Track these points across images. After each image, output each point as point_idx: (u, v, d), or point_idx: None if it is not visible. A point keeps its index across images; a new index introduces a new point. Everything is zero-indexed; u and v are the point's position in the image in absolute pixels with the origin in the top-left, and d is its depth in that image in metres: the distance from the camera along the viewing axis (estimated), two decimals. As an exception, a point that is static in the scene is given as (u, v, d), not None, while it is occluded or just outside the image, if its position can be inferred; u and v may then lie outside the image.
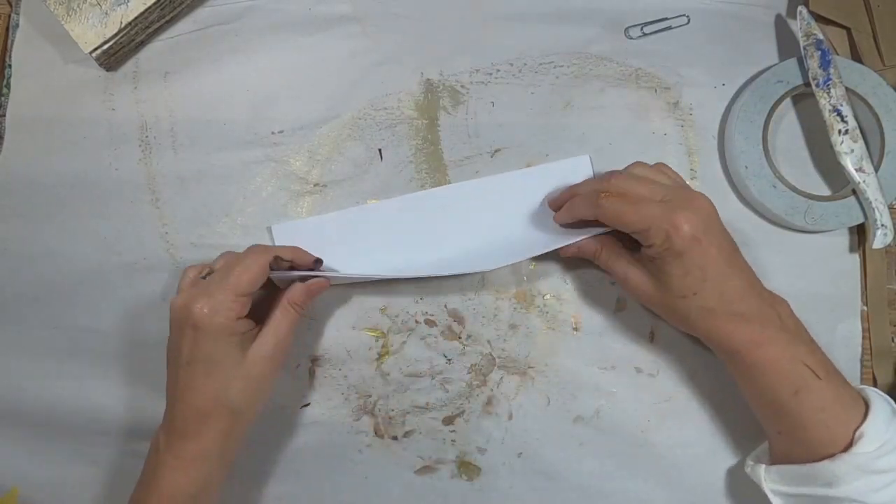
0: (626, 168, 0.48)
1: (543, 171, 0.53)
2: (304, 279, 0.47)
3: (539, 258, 0.53)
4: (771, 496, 0.44)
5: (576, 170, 0.53)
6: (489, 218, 0.52)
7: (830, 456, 0.40)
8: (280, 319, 0.45)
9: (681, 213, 0.42)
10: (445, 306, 0.53)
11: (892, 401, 0.43)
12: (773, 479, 0.44)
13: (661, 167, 0.48)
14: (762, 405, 0.44)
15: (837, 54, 0.53)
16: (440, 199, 0.53)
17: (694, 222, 0.42)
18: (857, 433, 0.40)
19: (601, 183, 0.46)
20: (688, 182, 0.53)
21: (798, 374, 0.41)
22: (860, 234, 0.53)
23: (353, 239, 0.52)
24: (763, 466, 0.45)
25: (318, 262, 0.49)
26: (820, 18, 0.53)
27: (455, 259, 0.51)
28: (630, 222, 0.43)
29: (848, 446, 0.40)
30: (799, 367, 0.42)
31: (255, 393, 0.45)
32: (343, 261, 0.51)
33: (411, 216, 0.52)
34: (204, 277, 0.45)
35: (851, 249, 0.53)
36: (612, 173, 0.47)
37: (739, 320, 0.42)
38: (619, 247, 0.47)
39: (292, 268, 0.48)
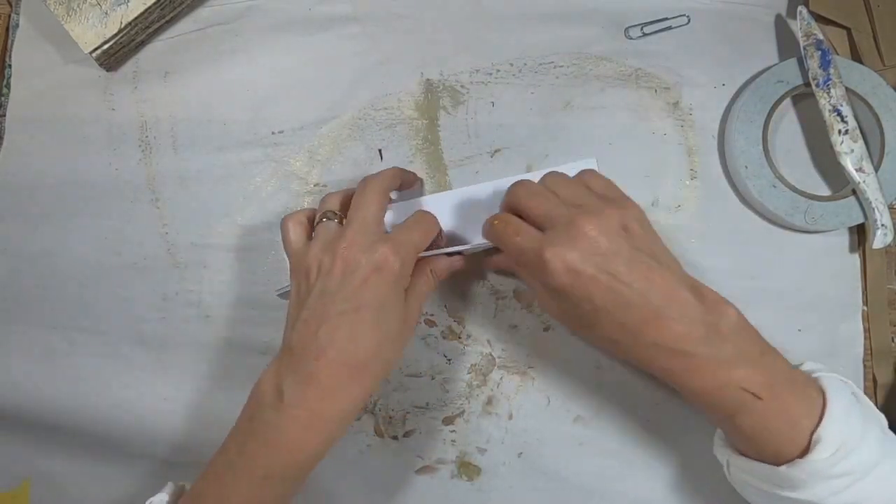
0: (541, 178, 0.44)
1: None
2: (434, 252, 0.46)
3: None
4: (732, 482, 0.43)
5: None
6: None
7: (788, 461, 0.38)
8: (422, 286, 0.44)
9: (552, 249, 0.38)
10: (445, 306, 0.53)
11: (852, 385, 0.41)
12: (737, 468, 0.42)
13: (583, 176, 0.44)
14: (706, 416, 0.42)
15: (837, 54, 0.53)
16: (444, 203, 0.51)
17: (569, 257, 0.38)
18: (814, 438, 0.37)
19: (505, 196, 0.44)
20: (687, 182, 0.53)
21: (732, 399, 0.38)
22: (860, 234, 0.53)
23: None
24: (729, 452, 0.42)
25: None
26: (820, 18, 0.53)
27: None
28: (510, 253, 0.42)
29: (805, 451, 0.37)
30: (733, 392, 0.38)
31: (399, 355, 0.42)
32: None
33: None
34: (334, 220, 0.44)
35: (851, 249, 0.53)
36: (522, 182, 0.44)
37: (654, 349, 0.39)
38: None
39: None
